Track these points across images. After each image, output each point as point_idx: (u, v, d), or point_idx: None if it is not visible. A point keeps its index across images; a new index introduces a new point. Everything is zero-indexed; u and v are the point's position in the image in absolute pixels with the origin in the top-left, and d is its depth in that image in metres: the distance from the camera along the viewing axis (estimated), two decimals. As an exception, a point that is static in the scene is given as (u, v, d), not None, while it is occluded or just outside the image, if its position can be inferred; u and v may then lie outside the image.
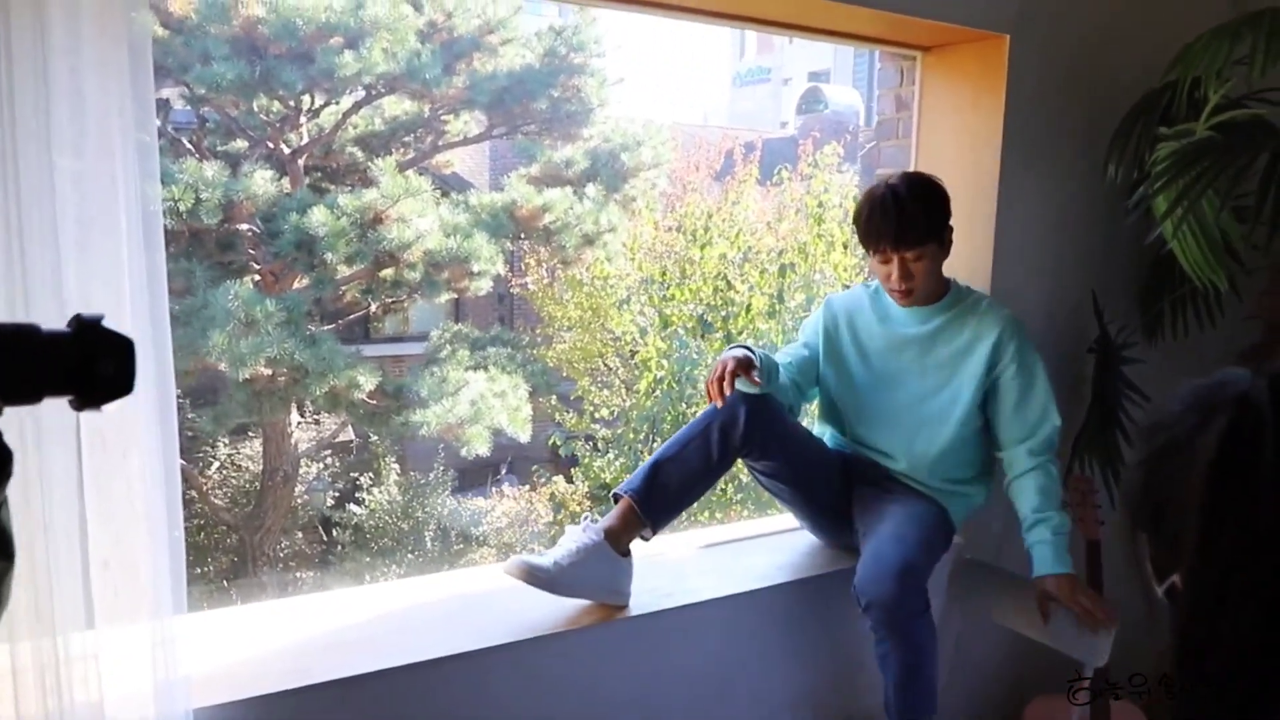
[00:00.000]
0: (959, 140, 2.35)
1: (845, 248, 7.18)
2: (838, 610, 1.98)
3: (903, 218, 1.92)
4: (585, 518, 1.97)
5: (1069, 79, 2.32)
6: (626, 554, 1.93)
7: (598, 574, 1.88)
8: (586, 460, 8.16)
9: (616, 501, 1.97)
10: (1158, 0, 2.41)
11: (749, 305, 7.04)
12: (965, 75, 2.35)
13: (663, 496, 1.94)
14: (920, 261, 1.96)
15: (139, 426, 1.39)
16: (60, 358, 0.74)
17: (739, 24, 2.29)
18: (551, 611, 1.91)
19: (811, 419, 2.33)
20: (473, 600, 2.01)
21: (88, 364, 0.74)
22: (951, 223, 1.99)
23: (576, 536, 1.91)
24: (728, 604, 2.01)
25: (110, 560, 1.40)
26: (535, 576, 1.83)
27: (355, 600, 2.03)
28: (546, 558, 1.87)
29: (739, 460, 2.02)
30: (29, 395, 0.74)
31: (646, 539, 1.97)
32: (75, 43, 1.29)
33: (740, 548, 2.24)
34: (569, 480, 9.09)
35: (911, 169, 2.40)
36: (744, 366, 1.87)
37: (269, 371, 6.41)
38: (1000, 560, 2.31)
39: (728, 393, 1.84)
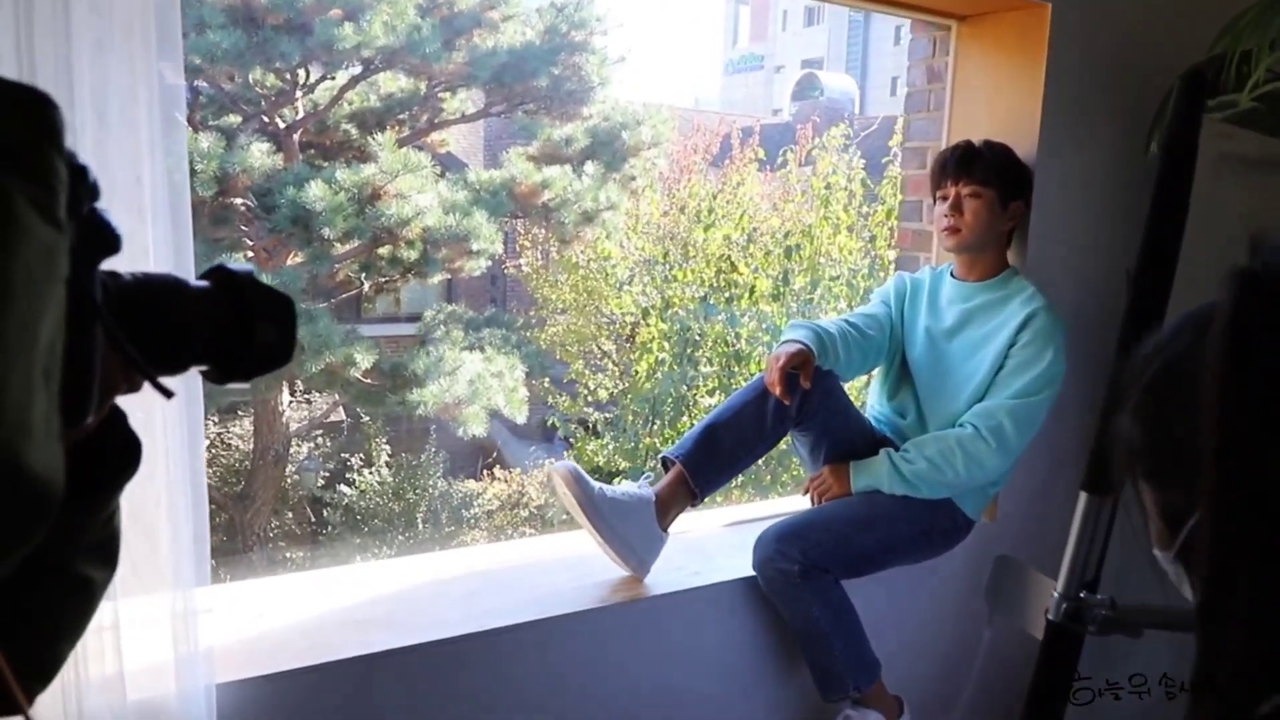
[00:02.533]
0: (994, 114, 2.29)
1: (850, 230, 7.12)
2: (864, 590, 1.93)
3: (969, 151, 2.04)
4: (645, 475, 1.95)
5: (1112, 50, 2.25)
6: (665, 530, 1.89)
7: (631, 526, 1.85)
8: (579, 443, 8.10)
9: (666, 467, 1.94)
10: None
11: (753, 287, 6.98)
12: (1003, 46, 2.28)
13: (713, 462, 1.91)
14: (975, 200, 2.00)
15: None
16: (212, 318, 0.59)
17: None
18: (576, 589, 1.87)
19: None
20: (494, 577, 1.96)
21: (243, 327, 0.60)
22: (1023, 208, 2.09)
23: (630, 486, 1.89)
24: (755, 584, 1.96)
25: (129, 529, 1.32)
26: (578, 486, 1.80)
27: (373, 576, 1.98)
28: (596, 482, 1.85)
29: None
30: (175, 363, 0.59)
31: (694, 505, 1.94)
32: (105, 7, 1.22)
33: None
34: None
35: (944, 144, 2.35)
36: (797, 362, 1.85)
37: (263, 348, 6.29)
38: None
39: (778, 392, 1.84)
